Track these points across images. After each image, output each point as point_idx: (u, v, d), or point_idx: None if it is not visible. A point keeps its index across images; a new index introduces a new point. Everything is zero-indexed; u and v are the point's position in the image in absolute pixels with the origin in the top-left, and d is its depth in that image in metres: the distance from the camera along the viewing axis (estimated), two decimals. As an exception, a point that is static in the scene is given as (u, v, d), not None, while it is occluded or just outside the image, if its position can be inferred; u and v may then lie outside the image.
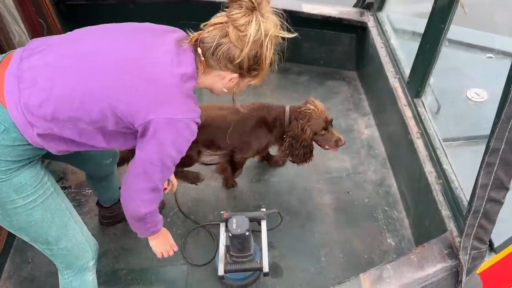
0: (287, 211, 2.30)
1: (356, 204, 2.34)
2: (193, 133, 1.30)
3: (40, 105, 1.21)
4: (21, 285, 2.04)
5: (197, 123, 1.31)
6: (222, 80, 1.34)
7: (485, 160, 1.28)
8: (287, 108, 2.13)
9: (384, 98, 2.47)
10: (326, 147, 2.14)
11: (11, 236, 2.17)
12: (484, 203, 1.36)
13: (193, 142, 1.34)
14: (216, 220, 2.27)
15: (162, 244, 1.70)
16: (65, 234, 1.47)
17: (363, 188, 2.41)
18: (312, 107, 2.03)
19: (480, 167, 1.29)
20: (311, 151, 2.17)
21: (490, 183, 1.32)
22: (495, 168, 1.29)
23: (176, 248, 1.75)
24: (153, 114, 1.22)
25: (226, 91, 1.39)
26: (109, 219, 2.24)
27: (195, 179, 2.44)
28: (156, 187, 1.37)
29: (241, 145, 2.20)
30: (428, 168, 1.80)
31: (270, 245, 2.15)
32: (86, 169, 1.89)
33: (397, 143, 2.26)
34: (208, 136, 2.11)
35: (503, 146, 1.24)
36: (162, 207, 2.33)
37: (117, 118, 1.25)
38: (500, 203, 1.36)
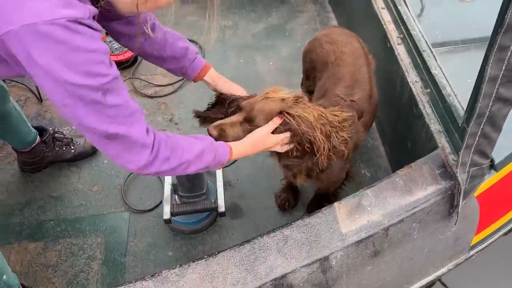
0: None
1: (326, 133, 2.03)
2: (85, 38, 0.85)
3: None
4: None
5: (88, 26, 0.86)
6: None
7: (497, 42, 0.95)
8: None
9: (355, 10, 2.11)
10: None
11: None
12: (490, 104, 1.05)
13: None
14: (163, 159, 1.92)
15: (270, 142, 1.21)
16: None
17: (333, 115, 2.10)
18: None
19: (489, 53, 0.97)
20: None
21: (501, 75, 1.01)
22: (509, 53, 0.97)
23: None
24: (6, 26, 0.79)
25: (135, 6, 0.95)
26: (32, 165, 1.85)
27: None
28: (110, 134, 0.93)
29: None
30: (412, 77, 1.48)
31: (228, 184, 1.83)
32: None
33: (371, 52, 1.93)
34: None
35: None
36: (94, 150, 1.93)
37: None
38: (510, 103, 1.06)
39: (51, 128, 1.96)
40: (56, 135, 1.85)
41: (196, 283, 1.04)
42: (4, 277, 1.27)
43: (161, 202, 1.78)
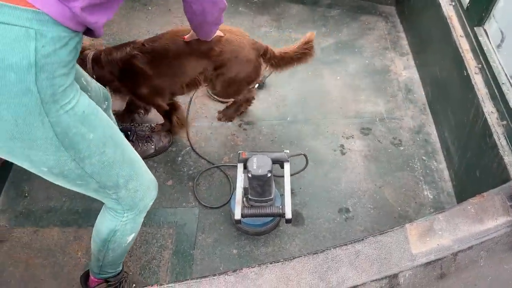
0: (310, 157, 2.05)
1: (389, 152, 2.08)
2: None
3: None
4: (16, 220, 1.85)
5: None
6: None
7: None
8: None
9: (430, 32, 2.14)
10: None
11: (4, 170, 1.97)
12: None
13: None
14: (232, 162, 2.04)
15: None
16: (134, 171, 1.25)
17: (398, 135, 2.14)
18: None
19: None
20: None
21: None
22: None
23: None
24: None
25: None
26: None
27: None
28: None
29: None
30: (488, 108, 1.51)
31: (291, 192, 1.92)
32: None
33: (444, 83, 1.96)
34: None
35: None
36: (170, 144, 2.10)
37: None
38: None
39: (132, 124, 2.14)
40: (138, 132, 2.02)
41: (273, 283, 1.14)
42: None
43: (228, 201, 1.91)
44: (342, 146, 2.11)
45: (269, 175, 1.60)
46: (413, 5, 2.45)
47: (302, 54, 1.95)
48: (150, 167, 2.02)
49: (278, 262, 1.17)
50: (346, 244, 1.20)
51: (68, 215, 1.87)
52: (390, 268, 1.16)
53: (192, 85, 1.89)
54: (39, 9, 0.91)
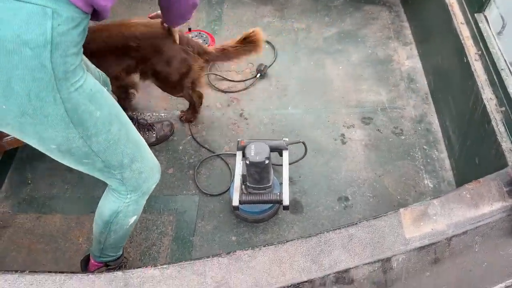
0: (311, 146, 2.05)
1: (390, 141, 2.07)
2: None
3: None
4: (19, 207, 1.89)
5: None
6: None
7: None
8: None
9: (433, 20, 2.12)
10: None
11: (8, 157, 2.00)
12: None
13: None
14: (233, 151, 2.05)
15: None
16: (139, 152, 1.28)
17: (399, 124, 2.13)
18: None
19: None
20: None
21: None
22: None
23: None
24: None
25: None
26: None
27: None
28: None
29: None
30: (487, 94, 1.50)
31: (290, 180, 1.92)
32: None
33: (446, 71, 1.94)
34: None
35: None
36: (171, 133, 2.11)
37: None
38: None
39: (134, 113, 2.16)
40: (140, 121, 2.03)
41: (266, 265, 1.14)
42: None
43: (228, 189, 1.92)
44: (343, 135, 2.10)
45: (266, 162, 1.60)
46: (416, -7, 2.42)
47: (249, 47, 1.89)
48: (151, 156, 2.06)
49: (272, 245, 1.18)
50: (339, 228, 1.21)
51: (70, 202, 1.90)
52: (383, 251, 1.16)
53: (131, 72, 1.85)
54: None
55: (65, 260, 1.74)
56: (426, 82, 2.26)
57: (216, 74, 2.36)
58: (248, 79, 2.35)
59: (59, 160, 1.19)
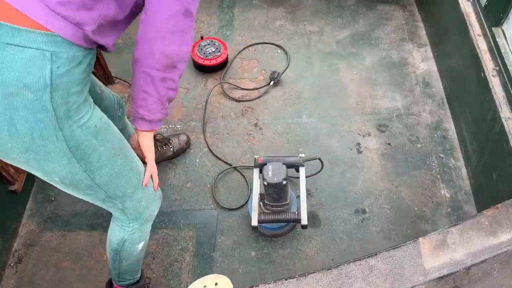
0: (326, 156, 2.06)
1: (406, 150, 2.07)
2: None
3: None
4: (44, 224, 1.95)
5: None
6: None
7: None
8: None
9: (448, 26, 2.08)
10: None
11: (31, 174, 2.05)
12: None
13: None
14: (249, 162, 2.08)
15: (153, 149, 1.35)
16: (140, 182, 1.31)
17: (415, 131, 2.12)
18: None
19: None
20: None
21: None
22: None
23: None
24: None
25: None
26: None
27: None
28: (188, 10, 1.07)
29: None
30: (506, 113, 1.49)
31: (308, 192, 1.95)
32: None
33: (462, 79, 1.92)
34: None
35: None
36: (188, 145, 2.14)
37: None
38: None
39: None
40: (157, 136, 2.06)
41: (288, 299, 1.18)
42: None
43: (245, 203, 1.95)
44: (358, 144, 2.11)
45: (284, 182, 1.62)
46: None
47: None
48: (168, 169, 2.10)
49: (293, 278, 1.22)
50: (359, 259, 1.23)
51: (93, 219, 1.96)
52: (403, 283, 1.18)
53: None
54: (54, 32, 0.95)
55: (91, 278, 1.81)
56: (442, 87, 2.24)
57: (230, 83, 2.37)
58: (261, 87, 2.36)
59: (64, 190, 1.23)
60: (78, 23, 0.98)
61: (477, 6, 1.77)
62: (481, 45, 1.68)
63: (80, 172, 1.14)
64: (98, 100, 1.51)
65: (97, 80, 1.52)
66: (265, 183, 1.63)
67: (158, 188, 1.41)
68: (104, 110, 1.55)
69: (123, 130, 1.76)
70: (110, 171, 1.19)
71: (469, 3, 1.84)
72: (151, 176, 1.36)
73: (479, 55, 1.66)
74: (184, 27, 1.09)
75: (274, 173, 1.63)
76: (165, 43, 1.09)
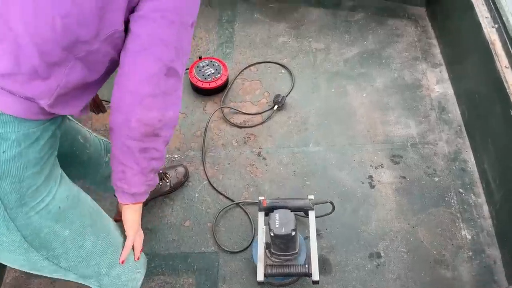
0: (336, 190, 1.91)
1: (423, 184, 1.91)
2: None
3: (16, 62, 0.78)
4: (32, 272, 1.79)
5: None
6: None
7: None
8: None
9: (466, 43, 1.91)
10: None
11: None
12: None
13: None
14: (252, 198, 1.92)
15: (137, 223, 1.14)
16: (117, 257, 1.13)
17: (432, 163, 1.96)
18: None
19: None
20: None
21: None
22: None
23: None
24: None
25: None
26: None
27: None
28: (172, 69, 0.90)
29: None
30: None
31: (317, 233, 1.79)
32: (86, 179, 1.46)
33: (483, 108, 1.75)
34: None
35: None
36: (186, 178, 1.98)
37: None
38: None
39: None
40: (153, 172, 1.90)
41: None
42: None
43: (249, 245, 1.80)
44: (370, 177, 1.95)
45: (293, 234, 1.47)
46: (445, 8, 2.20)
47: None
48: (165, 206, 1.94)
49: None
50: None
51: (84, 264, 1.80)
52: None
53: None
54: None
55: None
56: (459, 112, 2.08)
57: (231, 107, 2.20)
58: (264, 111, 2.19)
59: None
60: (29, 98, 0.81)
61: (504, 34, 1.60)
62: (509, 80, 1.52)
63: (41, 259, 0.98)
64: (80, 152, 1.34)
65: (80, 127, 1.35)
66: (272, 234, 1.47)
67: (142, 254, 1.24)
68: (88, 159, 1.39)
69: (110, 176, 1.61)
70: (79, 254, 1.02)
71: (493, 29, 1.67)
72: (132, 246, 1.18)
73: (507, 91, 1.50)
74: (166, 88, 0.90)
75: (282, 222, 1.47)
76: (143, 109, 0.89)
